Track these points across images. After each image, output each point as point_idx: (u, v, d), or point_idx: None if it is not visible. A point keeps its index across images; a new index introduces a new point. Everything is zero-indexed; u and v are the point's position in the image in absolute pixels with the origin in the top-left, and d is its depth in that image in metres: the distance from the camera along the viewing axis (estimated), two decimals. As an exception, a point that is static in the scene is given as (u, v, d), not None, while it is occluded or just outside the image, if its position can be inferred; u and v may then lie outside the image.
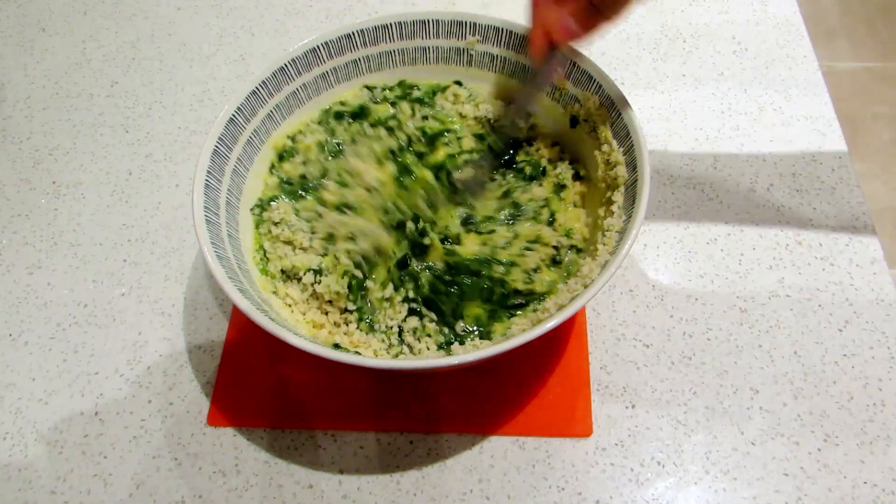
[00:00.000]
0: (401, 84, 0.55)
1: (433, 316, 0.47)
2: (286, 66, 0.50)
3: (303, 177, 0.51)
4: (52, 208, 0.60)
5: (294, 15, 0.73)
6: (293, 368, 0.50)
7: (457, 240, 0.49)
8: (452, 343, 0.46)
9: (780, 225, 0.56)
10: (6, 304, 0.54)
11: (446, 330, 0.46)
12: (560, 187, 0.51)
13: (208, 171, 0.45)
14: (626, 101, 0.46)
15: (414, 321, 0.47)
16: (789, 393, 0.48)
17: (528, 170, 0.52)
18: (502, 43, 0.52)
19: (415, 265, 0.48)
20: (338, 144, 0.52)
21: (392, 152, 0.51)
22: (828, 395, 0.48)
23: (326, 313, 0.47)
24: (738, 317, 0.51)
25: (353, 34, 0.52)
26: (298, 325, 0.46)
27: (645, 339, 0.51)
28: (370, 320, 0.47)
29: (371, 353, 0.45)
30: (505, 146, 0.53)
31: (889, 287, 0.52)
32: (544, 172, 0.52)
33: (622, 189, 0.45)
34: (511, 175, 0.52)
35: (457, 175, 0.52)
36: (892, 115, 1.50)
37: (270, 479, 0.46)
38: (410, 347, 0.46)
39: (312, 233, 0.49)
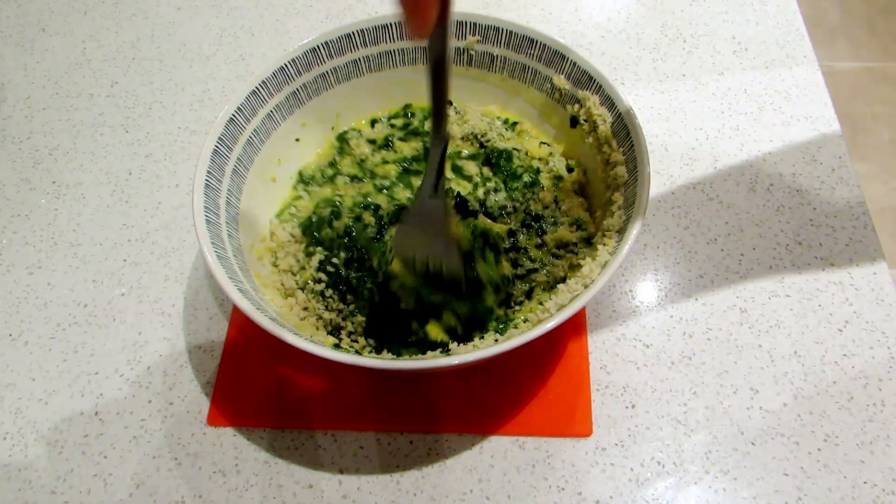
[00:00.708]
0: (405, 108, 0.56)
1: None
2: (286, 66, 0.50)
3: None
4: (52, 208, 0.60)
5: (294, 15, 0.73)
6: (293, 368, 0.50)
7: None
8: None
9: (780, 225, 0.56)
10: (6, 304, 0.54)
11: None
12: (557, 178, 0.52)
13: (208, 171, 0.45)
14: (626, 101, 0.46)
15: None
16: (789, 393, 0.48)
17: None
18: (502, 43, 0.52)
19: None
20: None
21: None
22: (828, 395, 0.48)
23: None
24: (738, 317, 0.51)
25: (353, 34, 0.52)
26: (299, 325, 0.46)
27: (645, 339, 0.51)
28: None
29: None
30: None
31: (889, 287, 0.52)
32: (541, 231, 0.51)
33: (622, 189, 0.45)
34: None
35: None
36: (892, 115, 1.50)
37: (270, 479, 0.46)
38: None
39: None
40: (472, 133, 0.55)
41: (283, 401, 0.49)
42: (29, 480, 0.46)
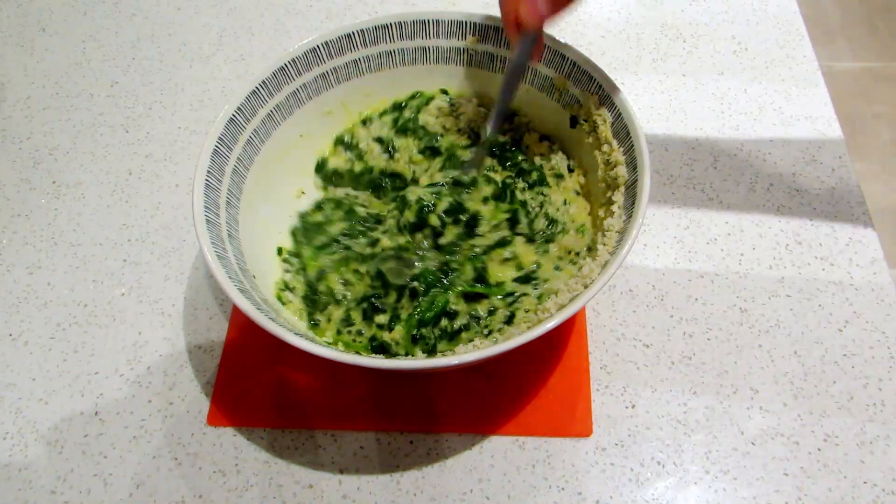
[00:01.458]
0: (393, 106, 0.56)
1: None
2: (286, 66, 0.50)
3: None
4: (52, 208, 0.60)
5: (294, 15, 0.73)
6: (293, 368, 0.50)
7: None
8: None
9: (780, 225, 0.56)
10: (6, 304, 0.54)
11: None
12: (558, 177, 0.52)
13: (208, 171, 0.45)
14: (627, 101, 0.46)
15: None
16: (789, 393, 0.48)
17: (534, 175, 0.52)
18: (502, 43, 0.52)
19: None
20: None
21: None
22: (828, 395, 0.48)
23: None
24: (738, 317, 0.51)
25: (353, 34, 0.52)
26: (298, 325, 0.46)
27: (645, 339, 0.51)
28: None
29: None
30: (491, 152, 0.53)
31: (889, 287, 0.52)
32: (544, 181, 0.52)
33: (622, 189, 0.45)
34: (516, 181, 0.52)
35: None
36: (892, 115, 1.50)
37: (270, 479, 0.46)
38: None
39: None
40: (467, 126, 0.54)
41: (283, 401, 0.49)
42: (29, 480, 0.46)
